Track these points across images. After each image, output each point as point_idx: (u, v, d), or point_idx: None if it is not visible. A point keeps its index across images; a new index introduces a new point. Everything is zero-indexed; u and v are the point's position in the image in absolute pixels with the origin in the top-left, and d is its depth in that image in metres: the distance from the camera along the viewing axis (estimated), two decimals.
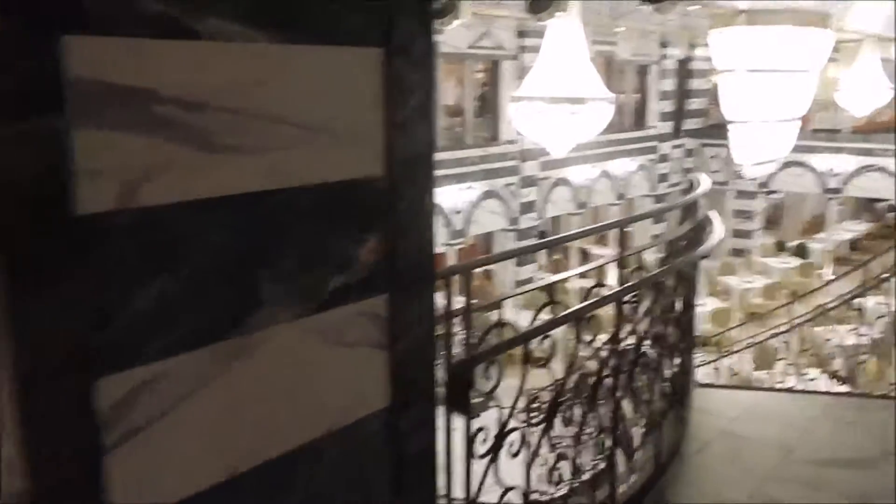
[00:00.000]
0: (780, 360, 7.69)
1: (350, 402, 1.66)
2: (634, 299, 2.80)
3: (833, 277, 16.96)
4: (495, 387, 2.15)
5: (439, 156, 14.00)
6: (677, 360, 3.41)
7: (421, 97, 1.70)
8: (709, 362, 8.42)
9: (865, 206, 26.16)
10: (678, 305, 3.35)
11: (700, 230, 3.48)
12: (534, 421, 2.40)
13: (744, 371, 11.64)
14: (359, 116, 1.60)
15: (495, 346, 2.11)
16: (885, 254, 14.11)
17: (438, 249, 16.90)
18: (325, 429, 1.58)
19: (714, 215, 3.92)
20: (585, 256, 19.91)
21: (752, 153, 12.05)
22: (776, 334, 8.27)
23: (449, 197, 14.47)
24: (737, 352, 8.35)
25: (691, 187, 4.00)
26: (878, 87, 15.49)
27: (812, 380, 8.17)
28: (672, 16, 15.15)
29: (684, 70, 20.61)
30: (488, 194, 15.43)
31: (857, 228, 23.45)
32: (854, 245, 22.45)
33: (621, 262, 2.76)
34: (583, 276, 17.72)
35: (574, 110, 7.09)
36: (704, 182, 3.77)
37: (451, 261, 15.36)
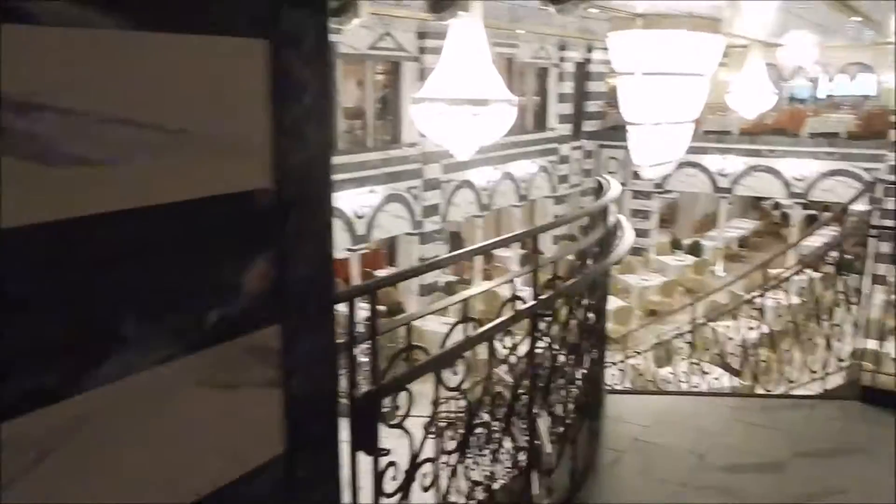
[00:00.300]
0: (683, 359, 7.82)
1: (237, 453, 1.41)
2: (549, 312, 2.66)
3: (733, 278, 17.63)
4: (405, 416, 1.95)
5: (340, 159, 13.75)
6: (591, 371, 3.30)
7: (314, 96, 1.48)
8: (615, 363, 8.48)
9: (753, 205, 27.46)
10: (591, 314, 3.25)
11: (611, 236, 3.40)
12: (448, 448, 2.21)
13: (648, 369, 11.89)
14: (239, 119, 1.36)
15: (405, 373, 1.91)
16: (777, 251, 14.70)
17: (341, 255, 16.56)
18: (205, 489, 1.34)
19: (623, 219, 3.85)
20: (489, 258, 20.00)
21: (650, 155, 12.32)
22: (680, 334, 8.37)
23: (350, 201, 14.17)
24: (642, 352, 8.45)
25: (601, 190, 3.92)
26: (765, 91, 16.20)
27: (716, 378, 8.33)
28: (571, 18, 15.38)
29: (582, 73, 21.02)
30: (391, 198, 15.21)
31: (745, 226, 24.55)
32: (743, 242, 23.48)
33: (535, 273, 2.61)
34: (486, 277, 17.79)
35: (476, 112, 6.96)
36: (614, 186, 3.68)
37: (354, 267, 15.06)
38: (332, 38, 13.51)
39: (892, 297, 4.38)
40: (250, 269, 1.40)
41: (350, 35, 14.01)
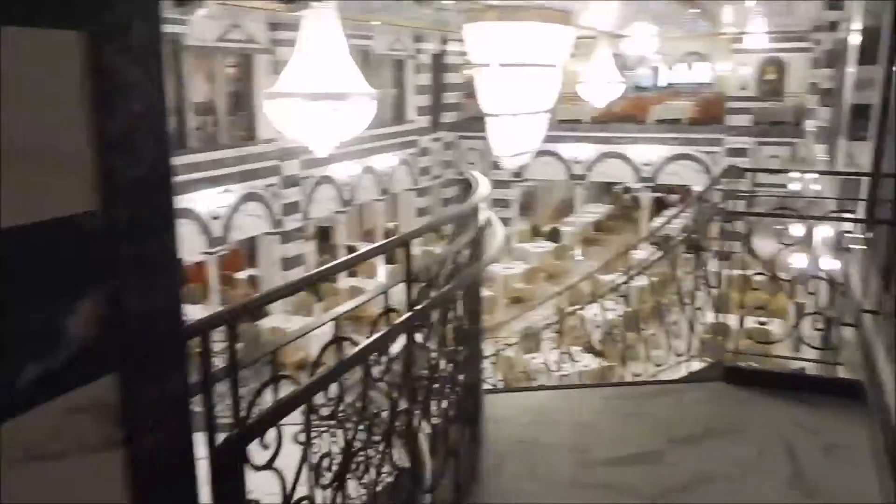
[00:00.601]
0: (553, 348, 7.93)
1: None
2: (424, 323, 2.51)
3: (599, 265, 18.18)
4: (275, 456, 1.73)
5: (191, 158, 13.02)
6: (469, 376, 3.19)
7: (146, 100, 1.23)
8: (487, 356, 8.49)
9: (605, 190, 28.65)
10: (466, 319, 3.13)
11: (482, 236, 3.29)
12: (324, 482, 2.02)
13: (520, 360, 12.07)
14: (53, 129, 1.10)
15: (272, 410, 1.69)
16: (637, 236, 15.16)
17: (197, 258, 15.75)
18: None
19: (494, 217, 3.76)
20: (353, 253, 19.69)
21: (509, 145, 12.51)
22: (548, 324, 8.47)
23: (205, 202, 13.47)
24: (512, 344, 8.50)
25: (469, 188, 3.80)
26: (613, 81, 16.85)
27: (585, 366, 8.51)
28: (426, 10, 15.32)
29: (439, 64, 21.07)
30: (248, 197, 14.60)
31: (598, 211, 25.57)
32: (597, 226, 24.44)
33: (408, 283, 2.45)
34: (352, 274, 17.50)
35: (336, 107, 6.71)
36: (483, 184, 3.58)
37: (212, 270, 14.36)
38: (177, 29, 12.77)
39: (737, 273, 4.54)
40: (76, 310, 1.15)
41: (196, 26, 13.30)
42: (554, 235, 21.32)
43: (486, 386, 6.84)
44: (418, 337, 2.46)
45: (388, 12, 15.81)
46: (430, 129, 20.88)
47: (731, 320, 4.19)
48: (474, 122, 19.66)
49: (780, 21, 18.64)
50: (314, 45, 7.12)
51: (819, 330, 3.90)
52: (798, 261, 4.22)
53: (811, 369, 4.20)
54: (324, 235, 23.04)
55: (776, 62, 22.16)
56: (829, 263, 4.02)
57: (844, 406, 3.82)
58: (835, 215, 3.90)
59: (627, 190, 27.53)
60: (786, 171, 7.33)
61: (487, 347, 10.15)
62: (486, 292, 15.85)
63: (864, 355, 3.79)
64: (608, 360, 12.86)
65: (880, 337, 3.68)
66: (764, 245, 4.06)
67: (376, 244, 2.65)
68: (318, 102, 6.90)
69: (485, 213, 3.50)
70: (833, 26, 11.37)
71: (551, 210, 25.54)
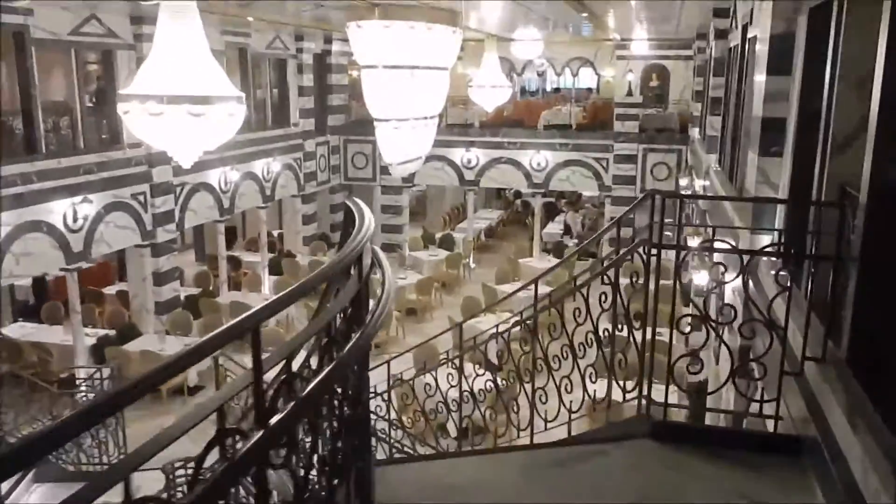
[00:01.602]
0: (443, 362, 7.22)
1: None
2: (284, 441, 1.75)
3: (520, 285, 17.81)
4: None
5: (43, 164, 11.59)
6: (354, 475, 2.45)
7: None
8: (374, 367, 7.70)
9: (496, 195, 28.48)
10: (348, 407, 2.39)
11: (366, 292, 2.57)
12: None
13: (407, 375, 11.37)
14: None
15: None
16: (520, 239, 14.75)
17: (57, 274, 14.20)
18: None
19: (383, 257, 3.04)
20: (237, 265, 18.50)
21: (399, 151, 11.80)
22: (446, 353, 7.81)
23: (60, 213, 12.05)
24: (404, 381, 7.76)
25: (351, 222, 3.07)
26: (502, 85, 16.42)
27: (488, 381, 7.86)
28: (305, 7, 14.41)
29: (323, 65, 20.12)
30: (113, 206, 13.20)
31: (490, 216, 25.30)
32: (490, 232, 24.16)
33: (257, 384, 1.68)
34: (236, 287, 16.27)
35: (198, 111, 5.79)
36: (367, 218, 2.86)
37: (73, 287, 12.89)
38: (19, 20, 11.32)
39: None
40: None
41: (46, 17, 11.87)
42: (447, 243, 20.79)
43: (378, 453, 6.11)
44: (276, 459, 1.71)
45: (266, 9, 14.78)
46: (315, 133, 19.89)
47: (658, 367, 3.64)
48: (362, 126, 18.87)
49: (663, 28, 18.84)
50: (171, 42, 6.14)
51: (756, 380, 3.40)
52: (728, 297, 3.74)
53: (747, 423, 3.74)
54: (201, 246, 21.63)
55: (660, 69, 22.52)
56: (763, 302, 3.55)
57: (786, 465, 3.33)
58: (772, 250, 3.43)
59: (518, 195, 27.45)
60: (723, 198, 6.95)
61: (375, 359, 9.32)
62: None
63: (809, 408, 3.31)
64: (505, 377, 12.41)
65: (827, 387, 3.20)
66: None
67: (299, 283, 1.86)
68: (176, 106, 5.94)
69: (370, 254, 2.77)
70: (722, 34, 11.32)
71: (443, 215, 25.04)
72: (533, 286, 4.84)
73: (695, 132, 16.89)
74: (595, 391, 4.22)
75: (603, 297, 3.97)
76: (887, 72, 2.87)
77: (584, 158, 19.76)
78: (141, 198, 13.83)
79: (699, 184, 13.19)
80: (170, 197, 14.48)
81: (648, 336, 3.67)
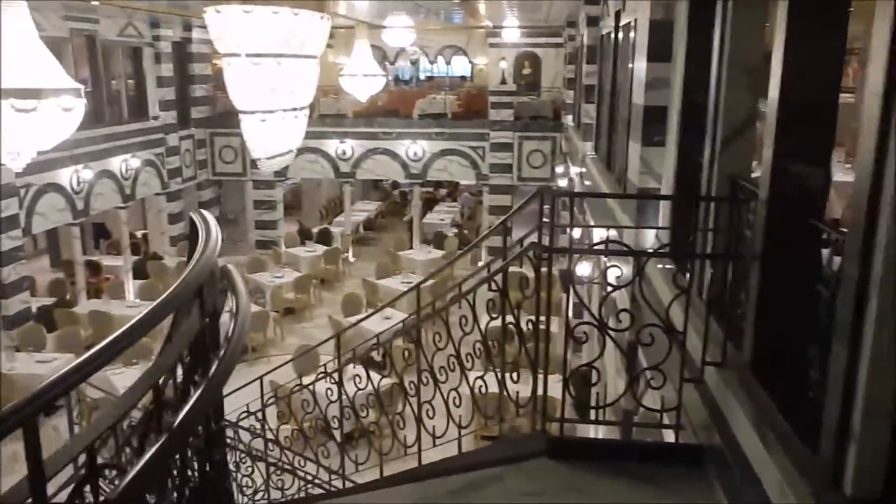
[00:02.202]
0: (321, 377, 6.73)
1: None
2: None
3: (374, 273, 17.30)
4: None
5: None
6: None
7: None
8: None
9: (374, 185, 27.96)
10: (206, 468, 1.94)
11: (216, 326, 2.12)
12: None
13: (285, 380, 10.80)
14: None
15: None
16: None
17: None
18: None
19: (237, 280, 2.58)
20: (97, 270, 17.12)
21: (266, 146, 11.11)
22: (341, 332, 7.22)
23: None
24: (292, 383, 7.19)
25: (195, 236, 2.59)
26: (374, 73, 15.96)
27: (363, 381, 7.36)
28: None
29: (183, 53, 18.91)
30: None
31: (368, 208, 24.78)
32: (369, 224, 23.65)
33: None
34: (96, 295, 15.02)
35: (25, 106, 5.06)
36: (213, 233, 2.40)
37: None
38: None
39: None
40: None
41: None
42: (325, 237, 20.12)
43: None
44: None
45: None
46: (178, 126, 18.68)
47: (552, 380, 3.36)
48: (228, 118, 17.86)
49: (533, 16, 18.94)
50: None
51: (655, 388, 3.18)
52: (621, 300, 3.51)
53: (641, 433, 3.53)
54: (56, 251, 19.95)
55: (531, 57, 22.72)
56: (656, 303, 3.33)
57: (690, 477, 3.13)
58: (666, 251, 3.21)
59: (396, 185, 27.07)
60: (618, 196, 6.78)
61: (251, 365, 8.49)
62: (254, 307, 14.34)
63: (711, 415, 3.12)
64: (389, 375, 12.04)
65: (730, 392, 3.02)
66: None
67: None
68: None
69: (214, 284, 2.31)
70: (593, 21, 11.33)
71: (319, 209, 24.30)
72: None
73: (568, 119, 17.05)
74: (485, 406, 3.91)
75: (491, 305, 3.65)
76: (787, 59, 2.67)
77: (461, 147, 19.60)
78: None
79: (575, 170, 13.26)
80: (13, 200, 13.11)
81: (542, 347, 3.38)
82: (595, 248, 3.16)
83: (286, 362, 8.00)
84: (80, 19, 14.76)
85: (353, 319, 13.86)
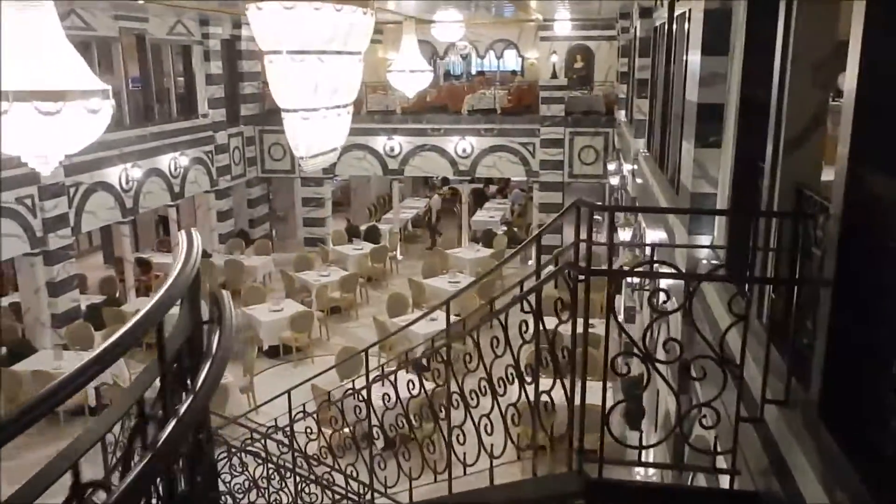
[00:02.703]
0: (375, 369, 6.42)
1: None
2: None
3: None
4: None
5: None
6: None
7: None
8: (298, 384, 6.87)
9: (424, 182, 27.72)
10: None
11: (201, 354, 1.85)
12: None
13: (330, 383, 10.63)
14: None
15: None
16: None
17: None
18: None
19: (225, 300, 2.30)
20: (147, 267, 17.29)
21: (309, 144, 10.94)
22: (372, 345, 6.93)
23: None
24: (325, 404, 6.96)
25: (190, 254, 2.32)
26: (421, 69, 15.68)
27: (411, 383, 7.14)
28: None
29: (232, 51, 18.94)
30: None
31: (418, 205, 24.54)
32: (417, 222, 23.40)
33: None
34: (146, 290, 15.09)
35: (49, 108, 4.89)
36: (193, 253, 2.13)
37: None
38: None
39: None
40: None
41: None
42: (373, 235, 19.95)
43: None
44: None
45: None
46: (227, 124, 18.73)
47: (592, 415, 3.00)
48: (277, 115, 17.67)
49: (585, 8, 18.37)
50: (19, 33, 5.18)
51: (707, 427, 2.80)
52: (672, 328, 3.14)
53: (696, 478, 3.15)
54: (110, 248, 20.24)
55: (584, 50, 22.12)
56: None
57: None
58: (723, 273, 2.82)
59: (446, 181, 26.77)
60: (660, 210, 6.37)
61: (299, 369, 8.10)
62: (298, 307, 14.21)
63: (771, 460, 2.72)
64: (435, 379, 11.76)
65: (792, 436, 2.62)
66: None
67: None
68: (22, 104, 5.02)
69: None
70: (647, 12, 10.81)
71: (369, 206, 24.16)
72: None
73: (621, 115, 16.48)
74: (518, 435, 3.57)
75: (524, 327, 3.31)
76: (867, 49, 2.26)
77: (511, 143, 19.19)
78: (28, 202, 12.58)
79: (627, 168, 12.77)
80: (62, 199, 13.25)
81: (578, 379, 3.02)
82: (639, 270, 2.79)
83: (327, 369, 7.70)
84: (129, 18, 14.84)
85: (398, 320, 13.70)
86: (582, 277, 2.78)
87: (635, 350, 2.79)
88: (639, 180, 10.86)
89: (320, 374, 7.44)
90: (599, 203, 2.73)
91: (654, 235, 7.11)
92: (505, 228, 21.03)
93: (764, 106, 3.78)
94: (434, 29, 19.00)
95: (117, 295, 15.58)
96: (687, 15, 6.13)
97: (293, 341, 13.46)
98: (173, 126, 16.63)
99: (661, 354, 2.90)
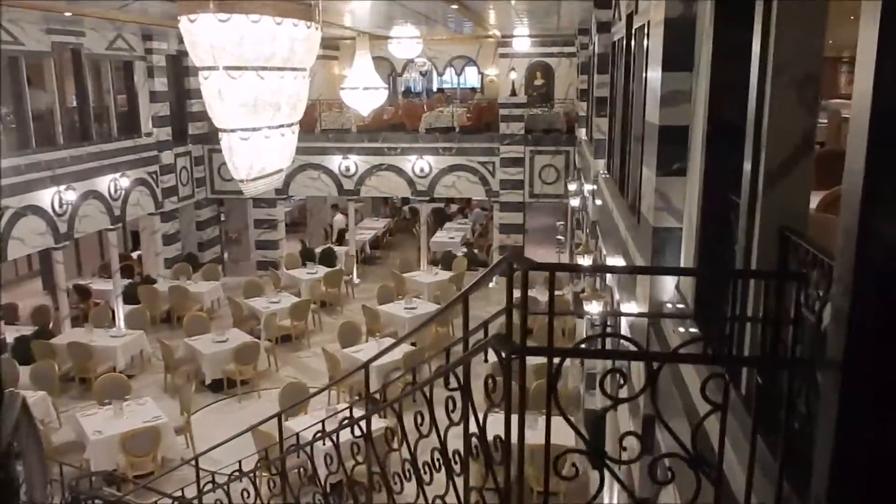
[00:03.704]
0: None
1: None
2: None
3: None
4: None
5: None
6: None
7: None
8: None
9: (383, 201, 27.01)
10: None
11: None
12: None
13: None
14: None
15: None
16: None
17: None
18: None
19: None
20: (85, 295, 16.33)
21: (248, 167, 10.21)
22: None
23: None
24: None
25: None
26: (375, 86, 15.06)
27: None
28: (152, 4, 12.59)
29: (178, 67, 18.14)
30: None
31: (377, 226, 23.83)
32: (376, 243, 22.68)
33: None
34: (83, 317, 14.12)
35: None
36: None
37: None
38: None
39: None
40: None
41: None
42: (328, 257, 19.18)
43: None
44: None
45: (104, 5, 12.79)
46: (174, 143, 17.89)
47: None
48: None
49: (544, 24, 17.94)
50: None
51: None
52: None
53: None
54: (49, 273, 19.15)
55: (544, 67, 21.73)
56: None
57: None
58: (695, 350, 2.21)
59: (406, 201, 26.13)
60: (609, 270, 5.77)
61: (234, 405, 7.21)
62: (246, 337, 13.36)
63: None
64: (386, 416, 11.01)
65: None
66: None
67: None
68: None
69: None
70: (605, 27, 10.32)
71: (325, 227, 23.38)
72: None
73: (582, 133, 16.03)
74: None
75: (450, 405, 2.66)
76: (886, 59, 1.65)
77: (470, 163, 18.63)
78: None
79: (588, 188, 12.24)
80: None
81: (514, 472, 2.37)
82: (584, 347, 2.18)
83: (267, 419, 6.88)
84: (63, 32, 14.00)
85: (350, 351, 12.95)
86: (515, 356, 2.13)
87: (584, 447, 2.15)
88: (598, 202, 10.32)
89: (259, 423, 6.62)
90: (536, 262, 2.12)
91: (616, 294, 6.54)
92: (465, 250, 20.41)
93: (737, 129, 3.20)
94: (391, 45, 18.43)
95: (51, 325, 14.60)
96: (646, 28, 5.58)
97: (237, 374, 12.63)
98: (113, 146, 15.75)
99: (625, 443, 2.26)
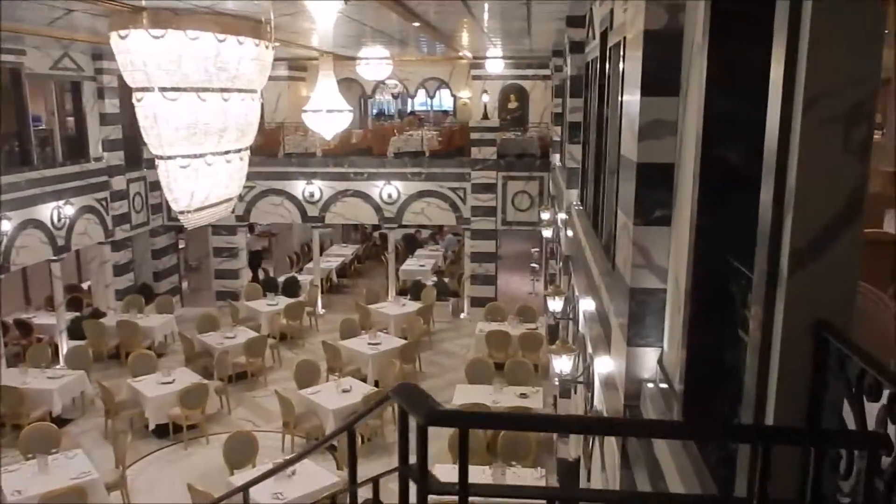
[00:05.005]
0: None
1: None
2: None
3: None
4: None
5: None
6: None
7: None
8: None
9: (353, 228, 26.08)
10: None
11: None
12: None
13: (220, 470, 8.91)
14: None
15: None
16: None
17: None
18: None
19: None
20: (26, 330, 15.24)
21: (189, 196, 9.30)
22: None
23: None
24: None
25: None
26: (338, 109, 14.25)
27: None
28: (82, 16, 11.69)
29: (131, 88, 17.17)
30: None
31: (345, 252, 22.91)
32: (343, 271, 21.75)
33: None
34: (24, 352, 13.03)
35: None
36: None
37: None
38: None
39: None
40: None
41: None
42: (292, 287, 18.24)
43: None
44: None
45: (45, 22, 11.89)
46: (127, 168, 16.93)
47: None
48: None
49: (517, 46, 17.30)
50: None
51: None
52: None
53: None
54: None
55: (518, 90, 21.12)
56: None
57: None
58: None
59: (377, 227, 25.26)
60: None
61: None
62: (194, 377, 12.38)
63: None
64: (339, 463, 10.12)
65: None
66: None
67: None
68: None
69: None
70: (578, 46, 9.60)
71: (290, 255, 22.42)
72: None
73: (556, 159, 15.32)
74: None
75: None
76: None
77: (440, 189, 17.84)
78: None
79: (562, 217, 11.49)
80: None
81: None
82: None
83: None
84: (4, 51, 13.07)
85: (307, 392, 12.00)
86: None
87: None
88: (570, 233, 9.56)
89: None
90: (440, 409, 1.38)
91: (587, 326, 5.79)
92: (436, 279, 19.56)
93: (739, 173, 2.42)
94: (359, 66, 17.66)
95: None
96: (622, 44, 4.82)
97: (184, 419, 11.62)
98: (58, 171, 14.75)
99: None
